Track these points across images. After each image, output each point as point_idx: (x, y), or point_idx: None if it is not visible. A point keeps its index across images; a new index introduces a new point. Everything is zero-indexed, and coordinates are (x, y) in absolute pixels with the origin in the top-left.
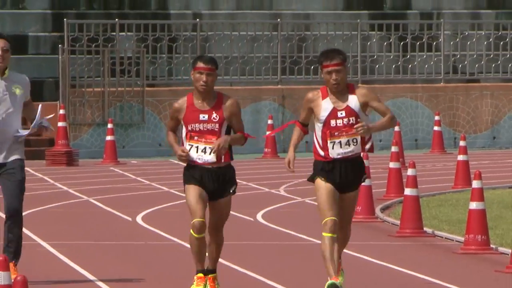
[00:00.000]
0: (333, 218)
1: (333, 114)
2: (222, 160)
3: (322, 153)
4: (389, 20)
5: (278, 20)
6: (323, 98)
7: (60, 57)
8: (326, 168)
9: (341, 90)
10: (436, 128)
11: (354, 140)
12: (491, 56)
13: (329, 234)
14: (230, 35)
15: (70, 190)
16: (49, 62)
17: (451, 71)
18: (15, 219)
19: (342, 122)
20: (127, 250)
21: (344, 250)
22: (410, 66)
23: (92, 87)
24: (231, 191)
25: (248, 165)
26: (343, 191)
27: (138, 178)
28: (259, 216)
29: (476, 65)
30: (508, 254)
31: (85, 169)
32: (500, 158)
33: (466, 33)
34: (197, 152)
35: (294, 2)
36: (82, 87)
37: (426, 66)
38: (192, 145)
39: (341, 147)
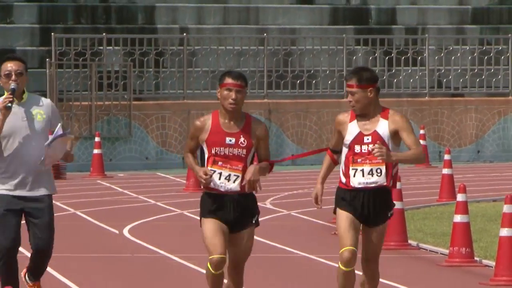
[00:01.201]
0: (351, 248)
1: (358, 138)
2: (246, 190)
3: (344, 179)
4: (375, 35)
5: (265, 34)
6: (351, 120)
7: (47, 71)
8: (347, 197)
9: (369, 114)
10: (421, 142)
11: (378, 170)
12: (475, 70)
13: (345, 268)
14: (217, 50)
15: (58, 203)
16: (37, 76)
17: (435, 85)
18: (44, 258)
19: (367, 149)
20: (114, 262)
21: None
22: (395, 80)
23: (80, 101)
24: (254, 221)
25: None
26: (367, 223)
27: (125, 191)
28: None
29: (461, 80)
30: (492, 267)
31: (73, 182)
32: (485, 172)
33: (451, 48)
34: (219, 179)
35: (280, 17)
36: (70, 101)
37: (411, 80)
38: (215, 171)
39: (363, 175)
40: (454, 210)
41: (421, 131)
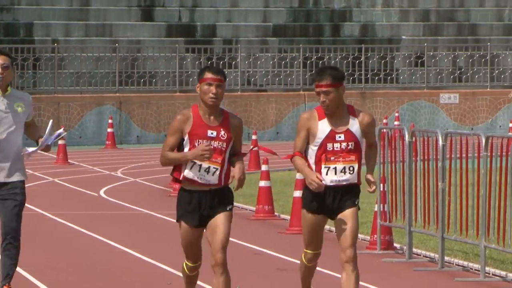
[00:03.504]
0: (313, 252)
1: (330, 136)
2: (223, 183)
3: None
4: (200, 45)
5: (116, 44)
6: (320, 118)
7: None
8: (316, 199)
9: (340, 112)
10: None
11: (351, 168)
12: (275, 72)
13: (307, 264)
14: (80, 56)
15: None
16: None
17: (245, 83)
18: (13, 239)
19: (340, 147)
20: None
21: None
22: None
23: None
24: (228, 209)
25: (93, 153)
26: (336, 213)
27: None
28: (101, 192)
29: (264, 79)
30: (287, 220)
31: None
32: (282, 148)
33: (257, 55)
34: (199, 171)
35: (128, 31)
36: None
37: (227, 79)
38: (195, 163)
39: (335, 173)
40: (259, 177)
41: None
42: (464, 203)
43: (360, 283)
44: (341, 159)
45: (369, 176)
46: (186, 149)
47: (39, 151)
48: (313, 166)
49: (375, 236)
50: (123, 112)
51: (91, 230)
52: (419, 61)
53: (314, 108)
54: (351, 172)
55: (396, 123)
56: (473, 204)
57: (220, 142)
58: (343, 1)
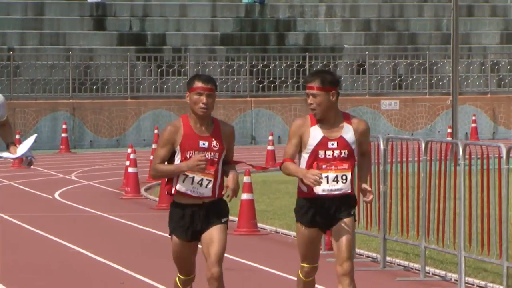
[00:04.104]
0: (310, 266)
1: (322, 143)
2: (216, 196)
3: (305, 188)
4: (150, 53)
5: (70, 52)
6: (312, 125)
7: None
8: (310, 211)
9: (333, 118)
10: None
11: (344, 177)
12: (223, 79)
13: (305, 279)
14: (35, 64)
15: None
16: None
17: None
18: None
19: (332, 154)
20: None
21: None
22: (165, 86)
23: None
24: (223, 222)
25: (48, 158)
26: (331, 224)
27: None
28: (56, 195)
29: None
30: (235, 221)
31: None
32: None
33: (205, 63)
34: (192, 183)
35: (81, 40)
36: None
37: (177, 86)
38: (187, 176)
39: (327, 182)
40: None
41: None
42: (405, 205)
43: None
44: (333, 167)
45: (364, 185)
46: (177, 161)
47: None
48: None
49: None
50: (77, 118)
51: (46, 231)
52: (361, 68)
53: (308, 114)
54: (344, 181)
55: None
56: (413, 206)
57: (212, 153)
58: (288, 11)
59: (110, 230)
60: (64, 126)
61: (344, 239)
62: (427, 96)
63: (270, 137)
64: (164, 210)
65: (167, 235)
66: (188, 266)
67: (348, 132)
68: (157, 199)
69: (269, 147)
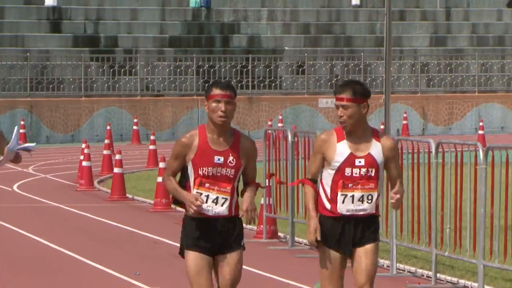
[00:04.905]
0: None
1: (349, 160)
2: (233, 214)
3: (328, 206)
4: (103, 54)
5: (28, 54)
6: (339, 140)
7: None
8: (334, 230)
9: (361, 133)
10: (134, 127)
11: (369, 197)
12: (171, 79)
13: None
14: None
15: None
16: None
17: (144, 89)
18: None
19: (359, 173)
20: None
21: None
22: (117, 85)
23: None
24: (241, 244)
25: None
26: (354, 246)
27: None
28: (15, 187)
29: (162, 85)
30: (182, 211)
31: None
32: None
33: (155, 63)
34: (206, 201)
35: (39, 41)
36: None
37: (128, 85)
38: (201, 193)
39: (352, 202)
40: (157, 174)
41: (135, 120)
42: None
43: (247, 268)
44: (359, 186)
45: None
46: (191, 178)
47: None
48: (329, 192)
49: (262, 226)
50: (34, 115)
51: (5, 221)
52: (300, 69)
53: (333, 128)
54: (369, 201)
55: (279, 125)
56: None
57: (228, 169)
58: (232, 15)
59: (65, 220)
60: (22, 123)
61: (365, 263)
62: None
63: None
64: (116, 202)
65: (119, 224)
66: (206, 281)
67: (375, 149)
68: (109, 191)
69: None
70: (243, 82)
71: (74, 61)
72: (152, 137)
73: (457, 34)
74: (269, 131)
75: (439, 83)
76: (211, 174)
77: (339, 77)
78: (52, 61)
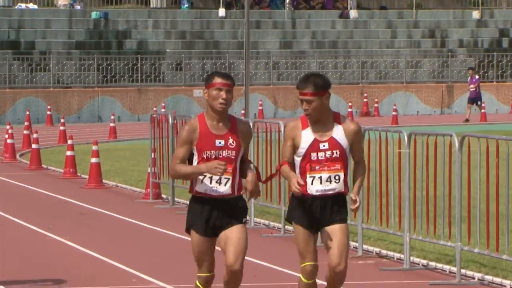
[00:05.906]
0: (312, 263)
1: (314, 145)
2: (236, 193)
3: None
4: (24, 55)
5: None
6: (303, 128)
7: None
8: (302, 207)
9: (324, 119)
10: (48, 112)
11: (336, 177)
12: (77, 74)
13: (307, 281)
14: None
15: None
16: None
17: (56, 82)
18: None
19: (324, 155)
20: None
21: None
22: (35, 79)
23: None
24: (244, 220)
25: None
26: (324, 225)
27: None
28: None
29: (70, 79)
30: (86, 178)
31: None
32: (82, 129)
33: (64, 62)
34: (210, 183)
35: None
36: None
37: (43, 79)
38: (205, 175)
39: (321, 183)
40: (66, 148)
41: (48, 107)
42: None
43: (134, 221)
44: (326, 168)
45: (351, 195)
46: (194, 162)
47: None
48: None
49: (149, 189)
50: None
51: None
52: (179, 67)
53: (299, 117)
54: (337, 181)
55: (163, 110)
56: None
57: (229, 151)
58: (125, 24)
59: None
60: None
61: (336, 243)
62: None
63: (112, 117)
64: (33, 171)
65: (37, 188)
66: (210, 261)
67: (338, 132)
68: (28, 162)
69: (111, 124)
70: (134, 77)
71: (0, 60)
72: (62, 120)
73: (301, 40)
74: (154, 115)
75: (287, 77)
76: (213, 156)
77: (209, 72)
78: None
